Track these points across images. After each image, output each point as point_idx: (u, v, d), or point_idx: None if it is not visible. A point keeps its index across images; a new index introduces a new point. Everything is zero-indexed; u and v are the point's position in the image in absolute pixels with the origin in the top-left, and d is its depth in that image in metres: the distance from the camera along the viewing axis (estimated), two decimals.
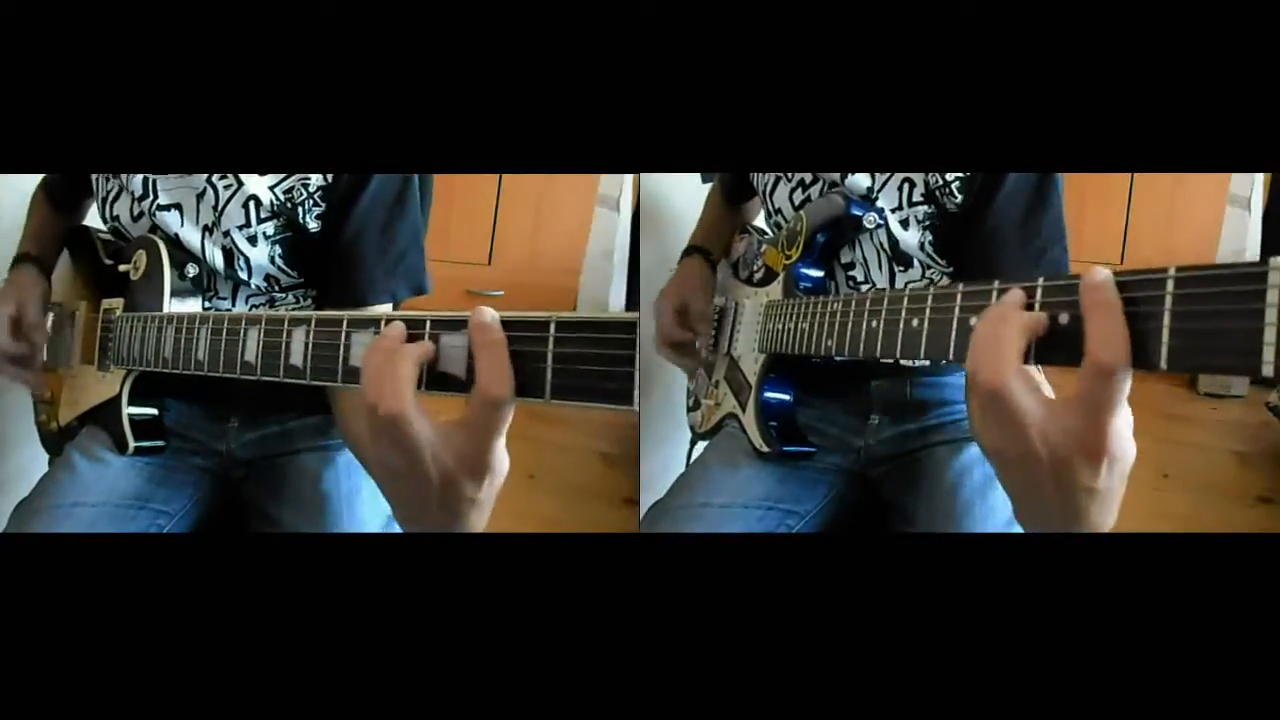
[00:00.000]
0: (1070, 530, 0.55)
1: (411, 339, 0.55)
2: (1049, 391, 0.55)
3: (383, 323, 0.57)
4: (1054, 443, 0.50)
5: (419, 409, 0.53)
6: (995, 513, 0.87)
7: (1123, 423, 0.49)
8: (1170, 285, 0.44)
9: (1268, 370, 0.39)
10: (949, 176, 0.86)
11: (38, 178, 1.13)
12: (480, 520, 0.57)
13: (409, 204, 0.92)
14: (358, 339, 0.60)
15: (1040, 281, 0.52)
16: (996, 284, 0.55)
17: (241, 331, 0.71)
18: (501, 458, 0.54)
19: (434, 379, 0.55)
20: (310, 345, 0.63)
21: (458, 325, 0.53)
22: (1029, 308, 0.52)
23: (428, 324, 0.55)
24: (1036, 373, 0.55)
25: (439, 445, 0.53)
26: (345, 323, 0.61)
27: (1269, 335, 0.39)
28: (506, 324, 0.51)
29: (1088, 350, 0.47)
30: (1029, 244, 0.84)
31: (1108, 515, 0.55)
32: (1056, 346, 0.51)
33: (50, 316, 1.04)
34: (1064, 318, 0.50)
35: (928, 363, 0.94)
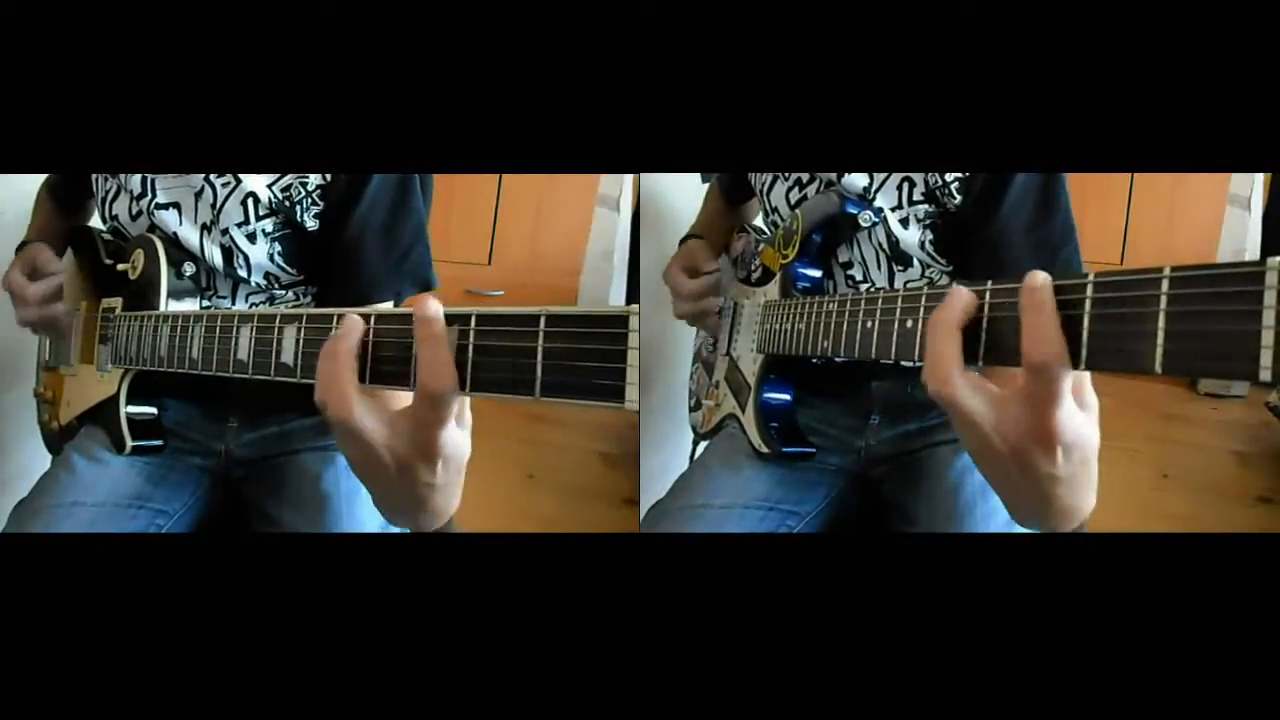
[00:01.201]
0: (1047, 514, 0.58)
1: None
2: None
3: (334, 322, 0.58)
4: (1007, 434, 0.53)
5: (366, 404, 0.55)
6: (996, 513, 0.86)
7: (1068, 412, 0.51)
8: (1165, 286, 0.43)
9: (1265, 375, 0.38)
10: (948, 176, 0.86)
11: (40, 177, 1.13)
12: (445, 502, 0.60)
13: (411, 199, 0.92)
14: None
15: (989, 285, 0.54)
16: (989, 285, 0.55)
17: (234, 329, 0.70)
18: (453, 443, 0.55)
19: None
20: (301, 343, 0.63)
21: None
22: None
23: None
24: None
25: (389, 436, 0.55)
26: (335, 320, 0.60)
27: (1266, 339, 0.38)
28: (497, 319, 0.50)
29: (1022, 349, 0.49)
30: (1040, 246, 0.84)
31: (1079, 499, 0.58)
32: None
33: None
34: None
35: None
